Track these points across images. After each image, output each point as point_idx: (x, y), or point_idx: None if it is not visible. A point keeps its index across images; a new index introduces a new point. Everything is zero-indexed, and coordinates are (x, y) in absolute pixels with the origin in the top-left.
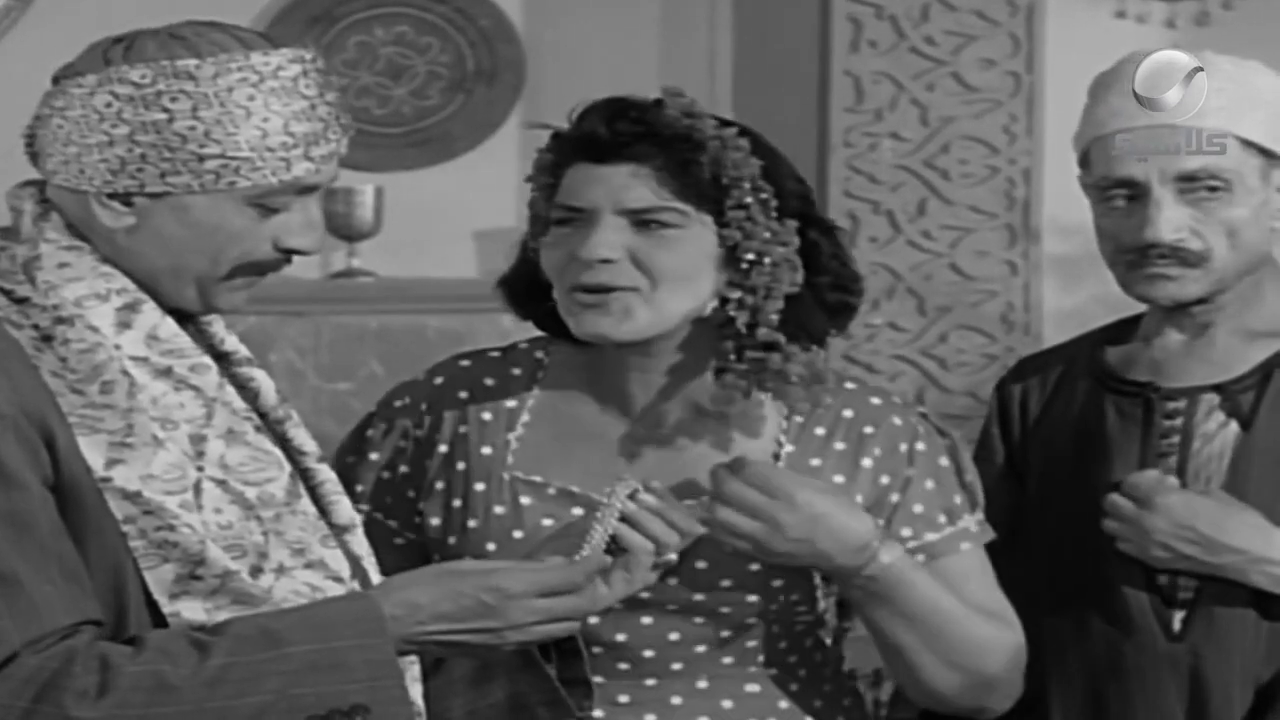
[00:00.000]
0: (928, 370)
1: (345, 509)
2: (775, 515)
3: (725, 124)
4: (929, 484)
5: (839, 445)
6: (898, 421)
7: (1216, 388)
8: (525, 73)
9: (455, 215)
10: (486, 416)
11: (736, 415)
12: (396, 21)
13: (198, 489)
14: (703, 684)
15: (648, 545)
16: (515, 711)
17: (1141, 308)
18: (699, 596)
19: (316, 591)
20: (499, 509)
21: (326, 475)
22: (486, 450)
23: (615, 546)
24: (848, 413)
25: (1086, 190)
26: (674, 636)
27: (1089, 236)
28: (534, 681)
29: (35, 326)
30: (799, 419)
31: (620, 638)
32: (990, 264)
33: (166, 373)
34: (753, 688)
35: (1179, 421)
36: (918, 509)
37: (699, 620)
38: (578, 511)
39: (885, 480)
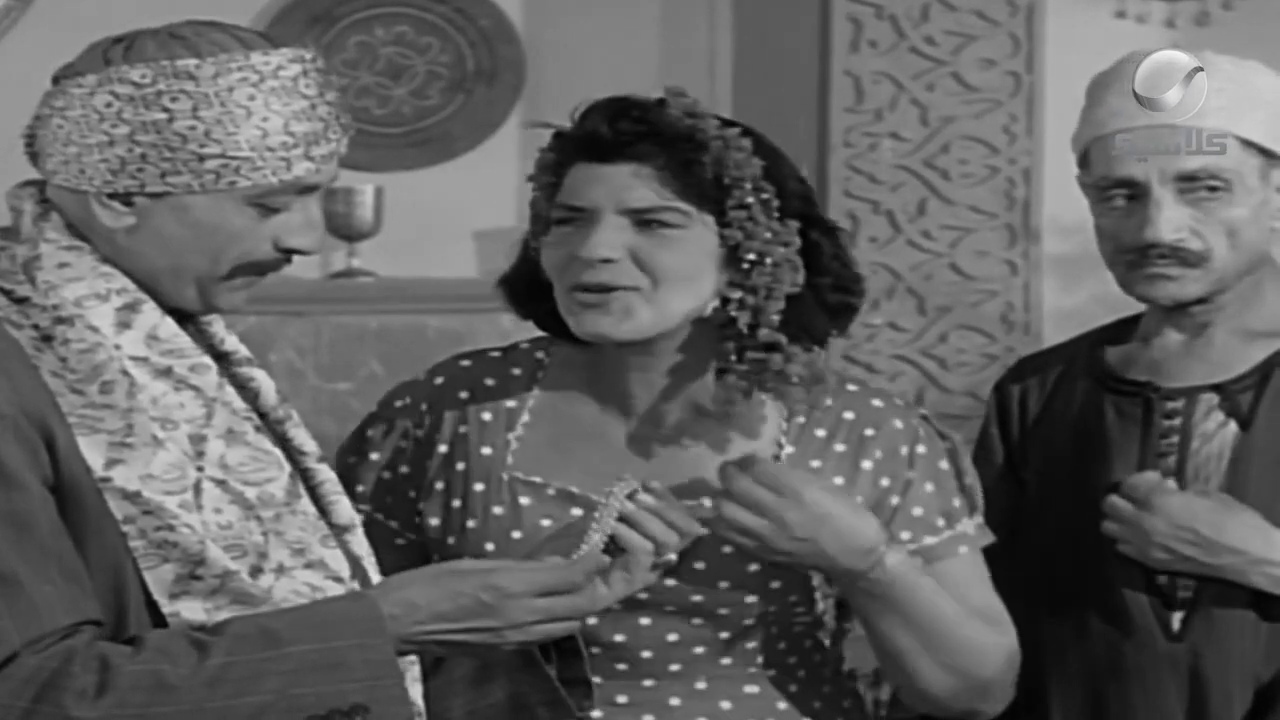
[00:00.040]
0: (928, 370)
1: (345, 509)
2: (782, 513)
3: (728, 124)
4: (928, 487)
5: (839, 447)
6: (899, 424)
7: (1216, 387)
8: (525, 73)
9: (455, 215)
10: (486, 417)
11: (737, 416)
12: (396, 21)
13: (197, 489)
14: (701, 685)
15: (647, 545)
16: (515, 711)
17: (1141, 307)
18: (697, 597)
19: (316, 591)
20: (498, 509)
21: (326, 475)
22: (486, 450)
23: (614, 546)
24: (849, 415)
25: (1085, 190)
26: (672, 637)
27: (1089, 236)
28: (534, 681)
29: (35, 326)
30: (800, 420)
31: (619, 638)
32: (990, 264)
33: (166, 373)
34: (751, 689)
35: (1178, 421)
36: (917, 512)
37: (697, 621)
38: (577, 512)
39: (885, 483)
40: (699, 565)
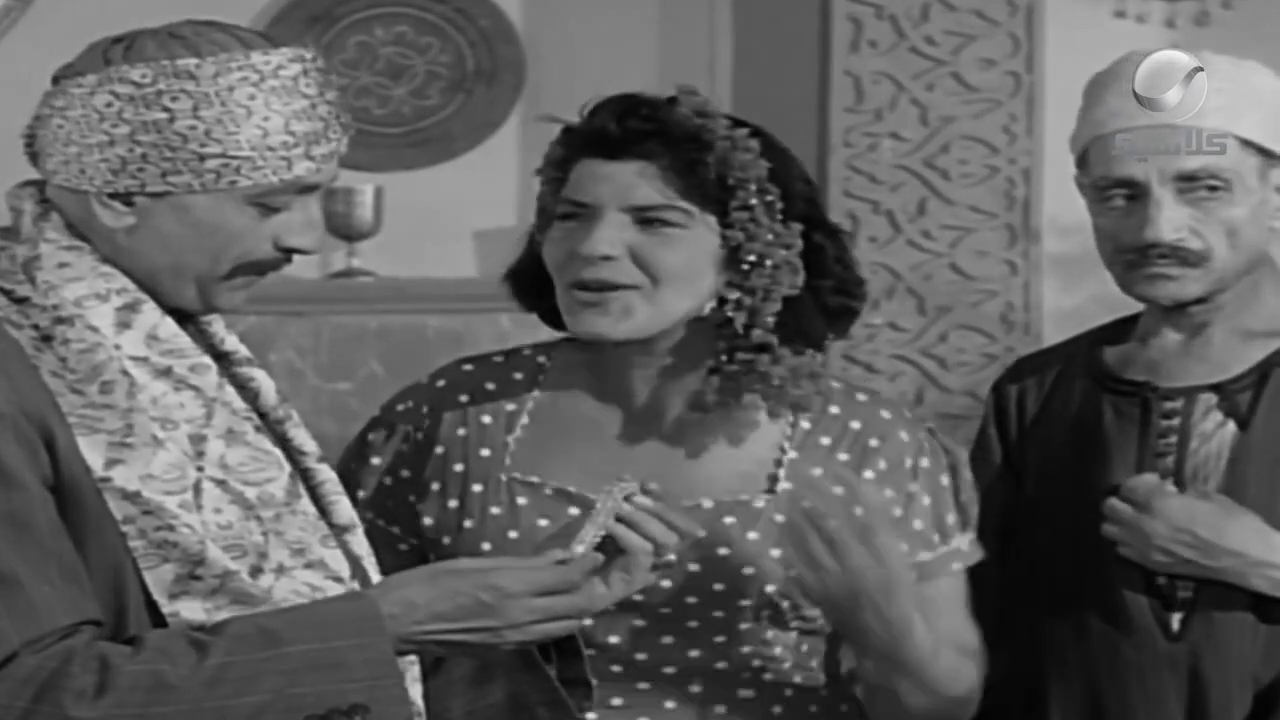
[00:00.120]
0: (928, 370)
1: (345, 509)
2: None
3: (738, 124)
4: (926, 500)
5: (842, 455)
6: (904, 436)
7: (1214, 387)
8: (525, 73)
9: (455, 215)
10: (486, 419)
11: (739, 416)
12: (396, 21)
13: (197, 489)
14: (696, 688)
15: (646, 546)
16: (515, 711)
17: (1141, 307)
18: (691, 600)
19: (316, 591)
20: (495, 509)
21: (326, 475)
22: (485, 452)
23: (613, 547)
24: (855, 424)
25: (1083, 190)
26: (666, 640)
27: (1089, 236)
28: (534, 681)
29: (35, 326)
30: (805, 426)
31: (613, 640)
32: (990, 264)
33: (166, 373)
34: (747, 693)
35: (1176, 421)
36: (917, 525)
37: (692, 624)
38: (574, 512)
39: (889, 494)
40: (693, 568)
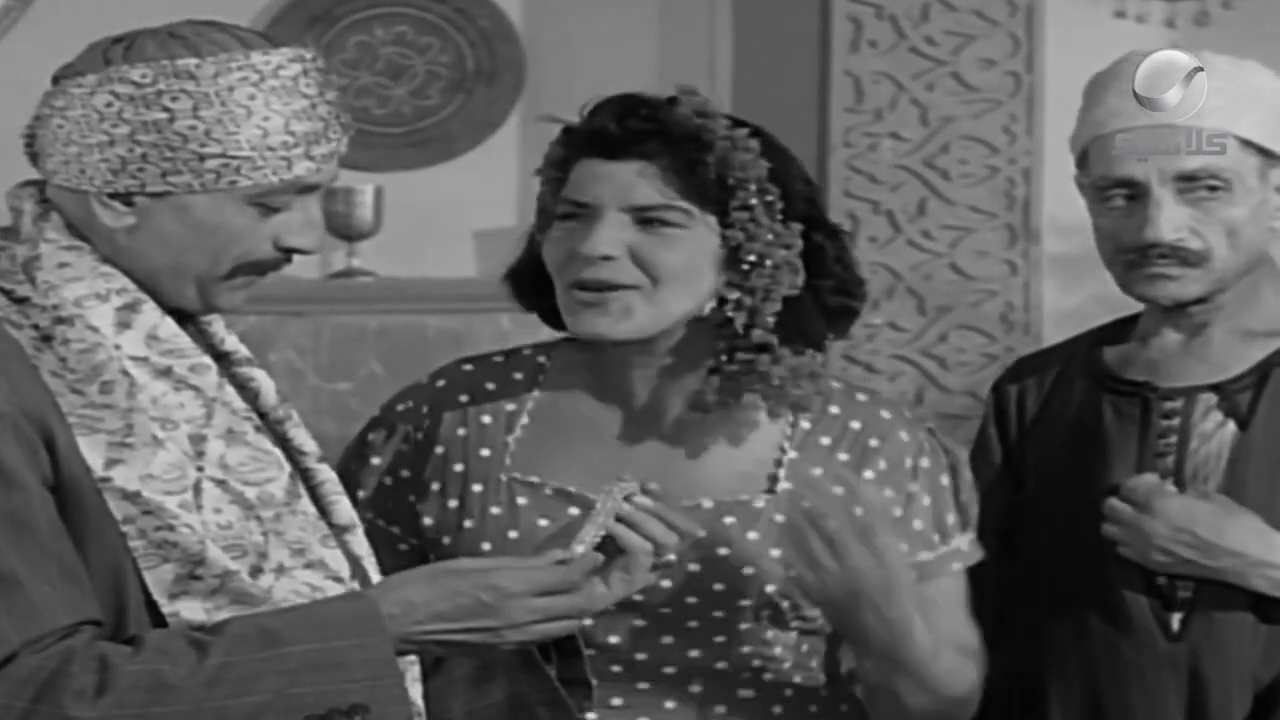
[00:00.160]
0: (928, 370)
1: (345, 509)
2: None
3: (738, 124)
4: (926, 500)
5: (842, 456)
6: (904, 437)
7: (1214, 387)
8: (525, 73)
9: (455, 215)
10: (486, 419)
11: (739, 416)
12: (396, 21)
13: (197, 489)
14: (696, 688)
15: (646, 546)
16: (515, 711)
17: (1141, 307)
18: (692, 600)
19: (316, 591)
20: (495, 509)
21: (326, 475)
22: (485, 452)
23: (613, 547)
24: (855, 424)
25: (1083, 190)
26: (666, 640)
27: (1089, 236)
28: (534, 681)
29: (35, 326)
30: (805, 425)
31: (613, 640)
32: (990, 264)
33: (166, 373)
34: (746, 693)
35: (1176, 421)
36: (917, 525)
37: (692, 624)
38: (574, 512)
39: (889, 494)
40: (693, 568)
